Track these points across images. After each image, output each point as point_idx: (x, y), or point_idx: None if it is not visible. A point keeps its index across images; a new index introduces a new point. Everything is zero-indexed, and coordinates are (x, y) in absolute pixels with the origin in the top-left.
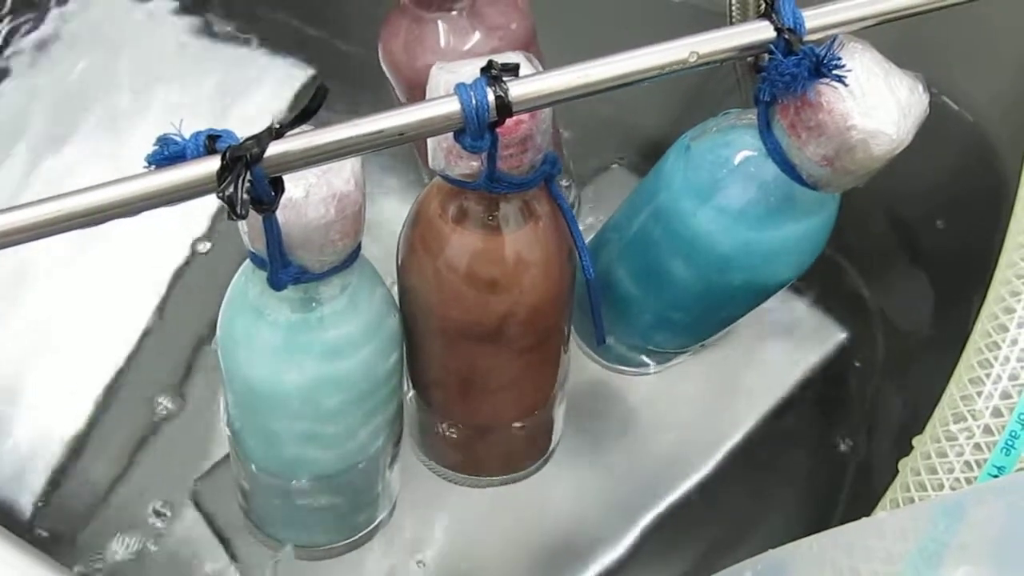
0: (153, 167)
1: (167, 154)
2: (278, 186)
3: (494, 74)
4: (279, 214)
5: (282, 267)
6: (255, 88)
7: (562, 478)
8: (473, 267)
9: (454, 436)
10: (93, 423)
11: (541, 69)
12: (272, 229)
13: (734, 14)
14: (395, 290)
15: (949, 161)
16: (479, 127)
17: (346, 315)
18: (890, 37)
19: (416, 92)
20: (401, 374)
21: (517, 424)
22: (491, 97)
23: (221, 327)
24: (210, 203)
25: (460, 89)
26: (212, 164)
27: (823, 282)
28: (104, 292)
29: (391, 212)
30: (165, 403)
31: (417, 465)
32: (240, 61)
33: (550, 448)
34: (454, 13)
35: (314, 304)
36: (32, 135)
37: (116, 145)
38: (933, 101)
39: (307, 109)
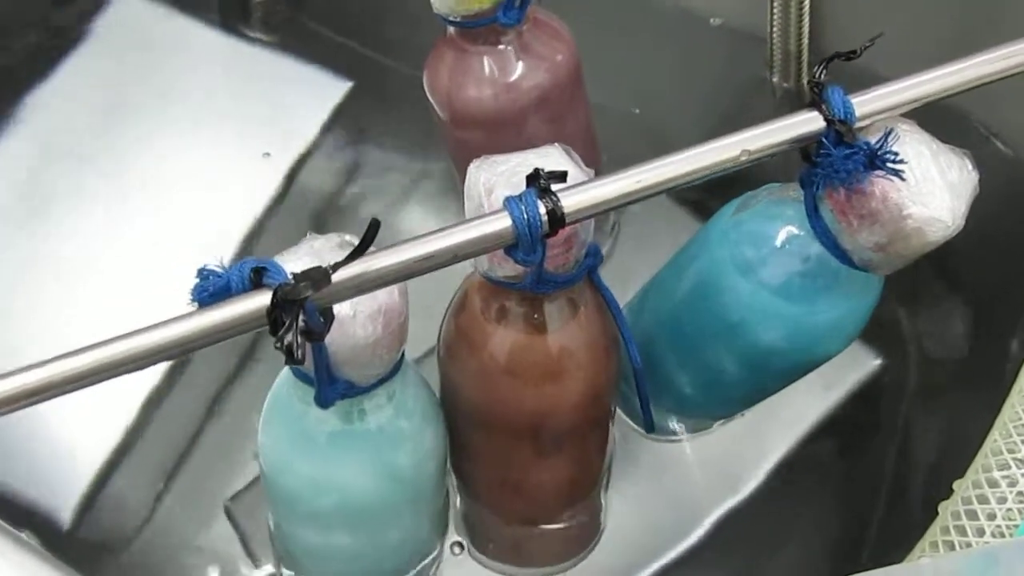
0: (197, 305)
1: (212, 290)
2: (328, 315)
3: (543, 185)
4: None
5: (328, 384)
6: (294, 100)
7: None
8: (518, 365)
9: (499, 529)
10: (131, 439)
11: (582, 166)
12: (321, 353)
13: (775, 38)
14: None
15: (991, 194)
16: (532, 243)
17: (392, 424)
18: None
19: (460, 122)
20: (445, 470)
21: (563, 519)
22: (542, 210)
23: (263, 433)
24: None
25: (511, 204)
26: (261, 300)
27: None
28: (141, 305)
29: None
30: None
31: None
32: (280, 73)
33: (599, 531)
34: (501, 47)
35: (359, 414)
36: (71, 147)
37: (158, 156)
38: (977, 135)
39: (360, 246)
